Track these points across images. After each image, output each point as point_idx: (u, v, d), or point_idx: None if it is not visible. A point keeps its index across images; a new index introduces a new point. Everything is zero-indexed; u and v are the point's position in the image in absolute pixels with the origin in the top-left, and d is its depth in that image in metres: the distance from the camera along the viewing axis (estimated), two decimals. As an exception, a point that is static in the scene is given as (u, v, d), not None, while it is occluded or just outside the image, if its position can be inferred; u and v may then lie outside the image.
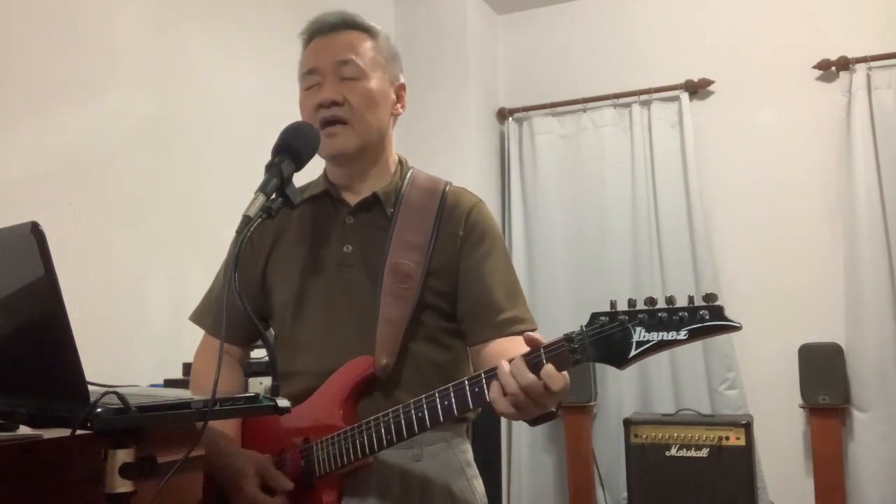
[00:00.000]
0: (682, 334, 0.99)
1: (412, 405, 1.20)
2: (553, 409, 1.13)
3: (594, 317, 1.04)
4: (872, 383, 3.25)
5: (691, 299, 0.99)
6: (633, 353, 1.01)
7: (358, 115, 1.36)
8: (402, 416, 1.21)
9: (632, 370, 3.61)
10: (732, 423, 3.19)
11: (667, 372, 3.60)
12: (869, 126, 3.37)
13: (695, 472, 3.17)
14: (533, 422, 1.14)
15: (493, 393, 1.11)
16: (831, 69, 3.50)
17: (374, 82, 1.38)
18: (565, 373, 1.06)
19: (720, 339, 3.49)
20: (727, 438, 3.16)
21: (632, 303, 1.03)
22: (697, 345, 3.50)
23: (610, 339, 1.02)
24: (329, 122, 1.35)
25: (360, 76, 1.37)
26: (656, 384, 3.62)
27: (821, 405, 3.26)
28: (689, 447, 3.20)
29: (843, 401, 3.27)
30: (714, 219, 3.65)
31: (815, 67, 3.54)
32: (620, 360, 1.02)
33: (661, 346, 1.00)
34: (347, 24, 1.42)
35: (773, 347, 3.47)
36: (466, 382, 1.15)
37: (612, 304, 1.04)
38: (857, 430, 3.30)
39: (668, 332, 0.99)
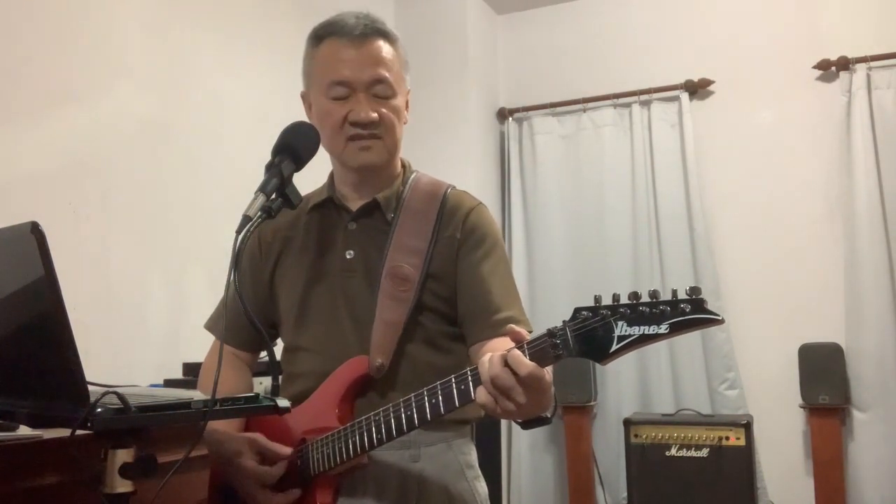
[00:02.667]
0: (664, 328, 0.97)
1: (401, 404, 1.21)
2: (546, 415, 1.12)
3: (577, 311, 1.03)
4: (872, 383, 3.25)
5: (674, 293, 0.98)
6: (614, 347, 1.00)
7: (389, 130, 1.38)
8: (391, 414, 1.21)
9: (632, 370, 3.62)
10: (732, 423, 3.19)
11: (667, 372, 3.60)
12: (869, 126, 3.37)
13: (695, 472, 3.17)
14: (525, 424, 1.14)
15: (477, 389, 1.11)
16: (831, 69, 3.50)
17: (401, 98, 1.40)
18: (533, 363, 1.04)
19: (720, 340, 3.49)
20: (727, 438, 3.16)
21: (616, 297, 1.01)
22: (697, 345, 3.51)
23: (592, 333, 1.01)
24: (363, 137, 1.36)
25: (392, 95, 1.38)
26: (656, 384, 3.62)
27: (821, 405, 3.26)
28: (689, 447, 3.20)
29: (843, 401, 3.27)
30: (714, 219, 3.65)
31: (815, 67, 3.54)
32: (602, 355, 1.01)
33: (643, 340, 0.99)
34: (374, 32, 1.38)
35: (773, 347, 3.47)
36: (453, 380, 1.15)
37: (596, 299, 1.03)
38: (857, 430, 3.30)
39: (649, 326, 0.98)
